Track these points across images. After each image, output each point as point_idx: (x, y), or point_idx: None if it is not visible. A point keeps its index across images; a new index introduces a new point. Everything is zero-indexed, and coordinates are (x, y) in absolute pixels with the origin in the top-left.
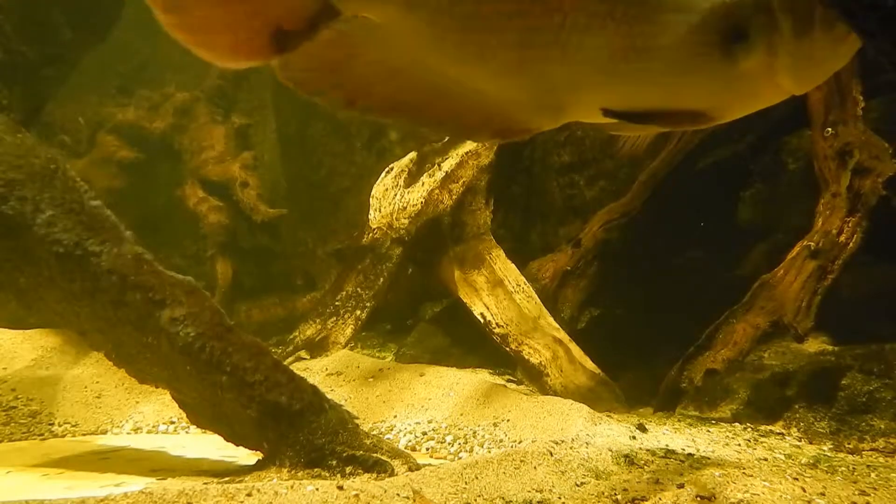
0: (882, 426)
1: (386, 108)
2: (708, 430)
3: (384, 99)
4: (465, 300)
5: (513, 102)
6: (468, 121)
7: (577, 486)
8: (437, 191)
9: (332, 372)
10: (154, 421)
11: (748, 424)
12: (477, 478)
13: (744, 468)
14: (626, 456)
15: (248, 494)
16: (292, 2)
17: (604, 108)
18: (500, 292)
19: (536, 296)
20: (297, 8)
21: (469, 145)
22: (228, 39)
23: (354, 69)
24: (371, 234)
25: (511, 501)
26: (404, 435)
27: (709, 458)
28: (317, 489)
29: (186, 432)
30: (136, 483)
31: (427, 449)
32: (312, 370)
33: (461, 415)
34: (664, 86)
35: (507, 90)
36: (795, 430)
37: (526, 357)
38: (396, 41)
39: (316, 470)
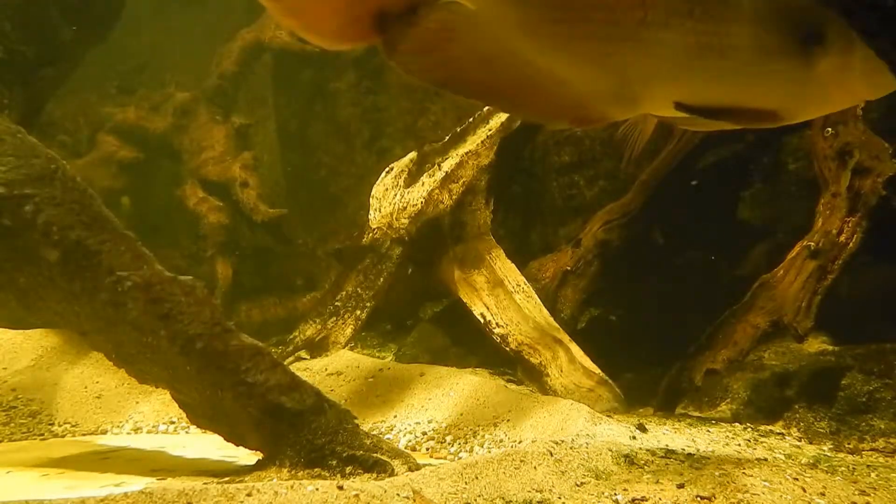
0: (882, 426)
1: (475, 90)
2: (708, 430)
3: (475, 82)
4: (465, 300)
5: (592, 92)
6: (548, 108)
7: (577, 486)
8: (437, 191)
9: (332, 372)
10: (154, 421)
11: (748, 424)
12: (477, 478)
13: (744, 468)
14: (626, 456)
15: (248, 494)
16: None
17: (677, 103)
18: (500, 292)
19: (536, 296)
20: None
21: (469, 145)
22: (333, 23)
23: (451, 52)
24: (371, 234)
25: (511, 501)
26: (404, 435)
27: (709, 458)
28: (317, 489)
29: (186, 432)
30: (136, 483)
31: (427, 449)
32: (312, 370)
33: (461, 415)
34: (738, 84)
35: (588, 80)
36: (795, 430)
37: (526, 357)
38: (490, 28)
39: (316, 470)
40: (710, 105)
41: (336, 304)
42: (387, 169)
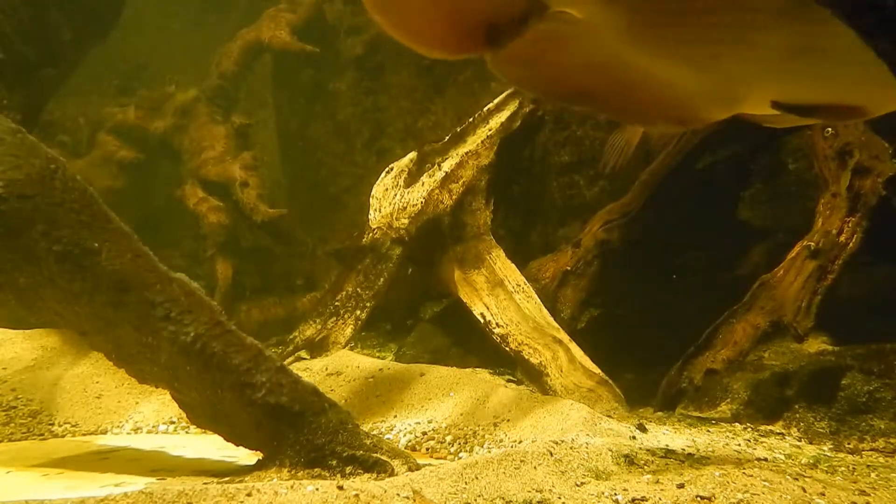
0: (882, 426)
1: (579, 97)
2: (708, 430)
3: (579, 89)
4: (465, 300)
5: (693, 93)
6: (651, 111)
7: (577, 486)
8: (437, 191)
9: (332, 372)
10: (154, 421)
11: (748, 424)
12: (477, 478)
13: (744, 468)
14: (626, 456)
15: (248, 494)
16: (499, 2)
17: (774, 102)
18: (500, 292)
19: (536, 296)
20: (508, 4)
21: (469, 145)
22: (442, 34)
23: (557, 61)
24: (371, 234)
25: (511, 501)
26: (404, 435)
27: (709, 458)
28: (317, 489)
29: (186, 432)
30: (136, 483)
31: (427, 449)
32: (312, 370)
33: (461, 415)
34: (833, 82)
35: (690, 82)
36: (795, 430)
37: (526, 357)
38: (596, 35)
39: (316, 470)
40: (804, 103)
41: (336, 304)
42: (387, 169)
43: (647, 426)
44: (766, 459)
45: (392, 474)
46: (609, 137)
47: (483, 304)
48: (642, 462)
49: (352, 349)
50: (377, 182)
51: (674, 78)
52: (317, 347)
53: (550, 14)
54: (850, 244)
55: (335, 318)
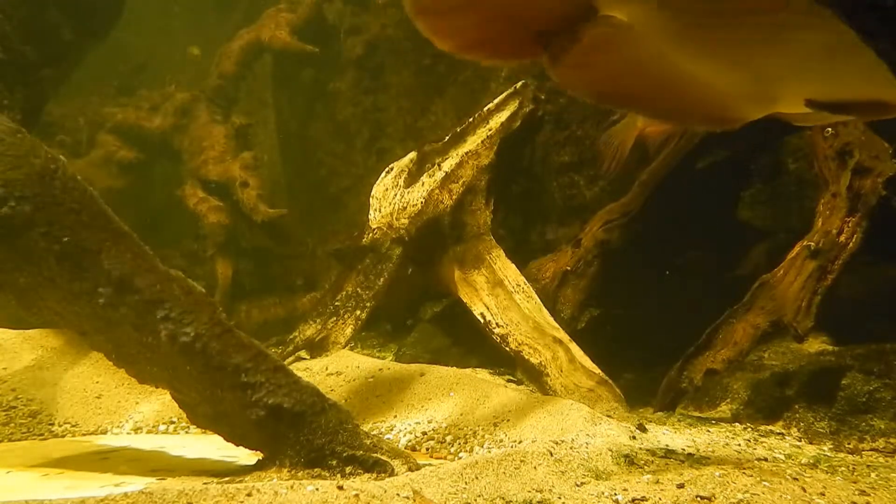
0: (882, 426)
1: (625, 99)
2: (708, 430)
3: (626, 91)
4: (465, 300)
5: (731, 94)
6: (691, 110)
7: (577, 486)
8: (437, 191)
9: (332, 372)
10: (154, 421)
11: (748, 424)
12: (477, 478)
13: (744, 468)
14: (626, 456)
15: (248, 494)
16: (554, 5)
17: (808, 100)
18: (500, 292)
19: (536, 296)
20: (558, 10)
21: (469, 145)
22: (493, 42)
23: (608, 65)
24: (371, 234)
25: (511, 501)
26: (404, 435)
27: (709, 458)
28: (317, 489)
29: (186, 432)
30: (136, 483)
31: (427, 449)
32: (312, 370)
33: (461, 415)
34: (867, 80)
35: (729, 82)
36: (795, 430)
37: (526, 357)
38: (642, 39)
39: (316, 470)
40: (839, 100)
41: (336, 304)
42: (387, 169)
43: (647, 426)
44: (766, 459)
45: (392, 474)
46: (601, 137)
47: (483, 304)
48: (642, 462)
49: (352, 349)
50: (377, 182)
51: (713, 79)
52: (317, 347)
53: (599, 19)
54: (850, 244)
55: (335, 318)
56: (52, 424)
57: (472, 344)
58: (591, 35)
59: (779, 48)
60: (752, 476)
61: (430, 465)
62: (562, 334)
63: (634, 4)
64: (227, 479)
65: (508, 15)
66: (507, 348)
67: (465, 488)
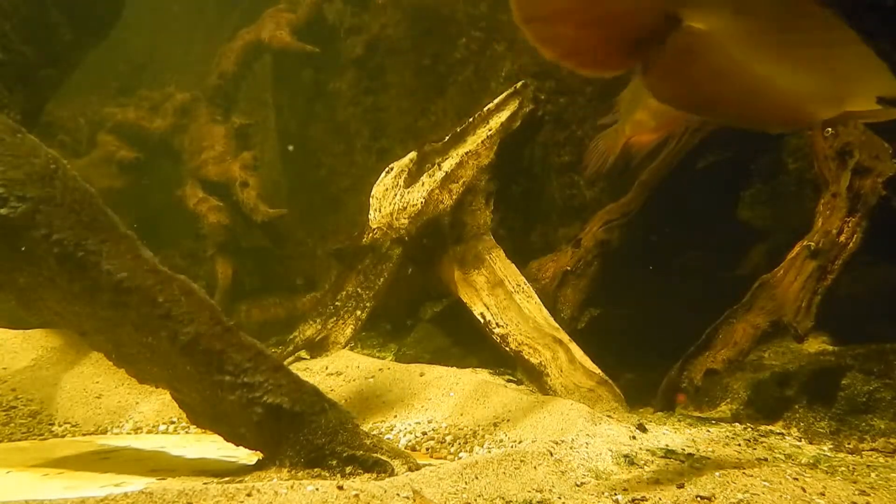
0: (882, 426)
1: (706, 105)
2: (708, 430)
3: (707, 98)
4: (465, 300)
5: (805, 96)
6: (768, 114)
7: (577, 486)
8: (437, 191)
9: (332, 372)
10: (154, 421)
11: (748, 424)
12: (477, 478)
13: (744, 468)
14: (626, 456)
15: (248, 494)
16: (643, 17)
17: (879, 97)
18: (500, 292)
19: (536, 296)
20: (647, 22)
21: (469, 145)
22: (593, 53)
23: (691, 73)
24: (371, 234)
25: (511, 501)
26: (404, 435)
27: (709, 458)
28: (317, 489)
29: (186, 432)
30: (136, 483)
31: (427, 449)
32: (312, 370)
33: (461, 415)
34: None
35: (803, 84)
36: (795, 430)
37: (526, 357)
38: (722, 46)
39: (316, 470)
40: None
41: (336, 304)
42: (387, 169)
43: (647, 426)
44: (766, 459)
45: (392, 474)
46: (591, 142)
47: (483, 304)
48: (642, 462)
49: (352, 349)
50: (377, 182)
51: (788, 82)
52: (317, 347)
53: (684, 28)
54: (850, 244)
55: (335, 318)
56: (52, 424)
57: (472, 344)
58: (676, 44)
59: (848, 49)
60: (752, 476)
61: (430, 465)
62: (562, 334)
63: (713, 13)
64: (227, 479)
65: (603, 25)
66: (507, 348)
67: (465, 488)
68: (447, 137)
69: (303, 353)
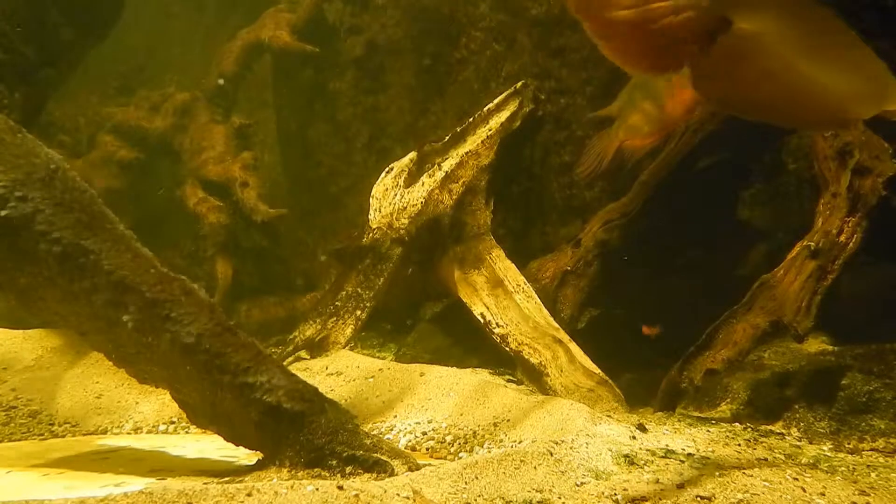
0: (882, 426)
1: (753, 105)
2: (708, 430)
3: (754, 98)
4: (465, 300)
5: (847, 95)
6: (810, 114)
7: (577, 486)
8: (437, 191)
9: (332, 372)
10: (154, 421)
11: (748, 424)
12: (477, 478)
13: (744, 468)
14: (626, 456)
15: (248, 494)
16: (695, 22)
17: None
18: (500, 292)
19: (536, 296)
20: (699, 25)
21: (469, 145)
22: (651, 57)
23: (740, 74)
24: (371, 234)
25: (511, 501)
26: (404, 435)
27: (709, 458)
28: (317, 489)
29: (186, 432)
30: (136, 483)
31: (427, 449)
32: (312, 370)
33: (461, 415)
34: None
35: (845, 84)
36: (795, 430)
37: (526, 357)
38: (770, 47)
39: (316, 470)
40: None
41: (336, 304)
42: (387, 169)
43: (647, 426)
44: (766, 459)
45: (392, 474)
46: (587, 144)
47: (483, 304)
48: (642, 462)
49: (352, 349)
50: (377, 182)
51: (831, 81)
52: (317, 347)
53: (734, 29)
54: (850, 244)
55: (335, 318)
56: (52, 424)
57: (472, 344)
58: (726, 45)
59: (884, 47)
60: (752, 476)
61: (430, 465)
62: (562, 334)
63: (760, 15)
64: (227, 479)
65: (659, 34)
66: (507, 348)
67: (465, 488)
68: (447, 137)
69: (303, 353)
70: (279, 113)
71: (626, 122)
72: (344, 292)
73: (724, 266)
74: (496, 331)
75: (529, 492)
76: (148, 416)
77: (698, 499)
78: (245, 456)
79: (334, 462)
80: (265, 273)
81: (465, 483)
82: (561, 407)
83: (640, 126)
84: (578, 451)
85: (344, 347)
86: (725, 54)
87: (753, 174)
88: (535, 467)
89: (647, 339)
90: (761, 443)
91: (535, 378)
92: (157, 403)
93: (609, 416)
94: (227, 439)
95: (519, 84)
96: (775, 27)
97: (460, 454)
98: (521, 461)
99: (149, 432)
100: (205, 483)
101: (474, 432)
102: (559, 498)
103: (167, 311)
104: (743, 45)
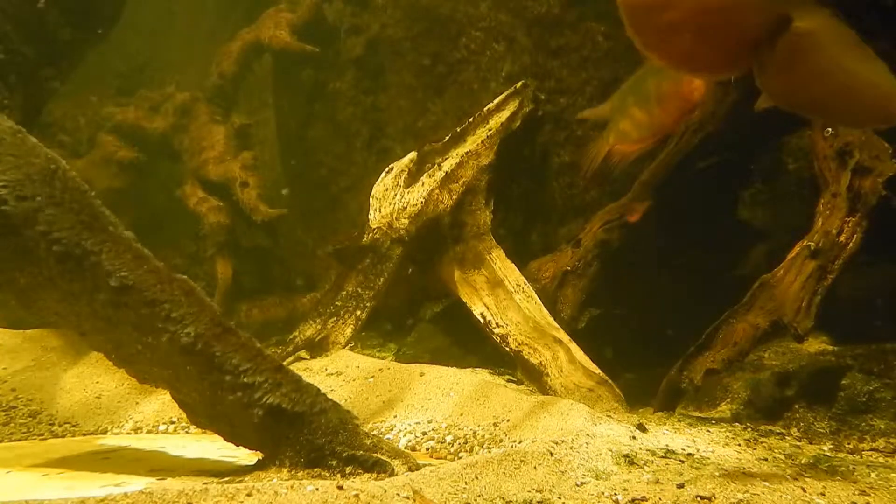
0: (882, 426)
1: (812, 102)
2: (708, 430)
3: (812, 95)
4: (465, 300)
5: (891, 91)
6: (863, 110)
7: (577, 486)
8: (437, 191)
9: (332, 372)
10: (154, 421)
11: (748, 424)
12: (477, 478)
13: (744, 468)
14: (626, 456)
15: (248, 494)
16: (757, 22)
17: None
18: (500, 292)
19: (536, 296)
20: (761, 26)
21: (469, 145)
22: (708, 58)
23: (799, 71)
24: (371, 234)
25: (511, 501)
26: (404, 435)
27: (709, 458)
28: (317, 489)
29: (186, 432)
30: (136, 483)
31: (427, 449)
32: (312, 370)
33: (461, 415)
34: None
35: (889, 80)
36: (795, 430)
37: (526, 357)
38: (826, 45)
39: (316, 470)
40: None
41: (336, 304)
42: (387, 169)
43: (647, 426)
44: (766, 459)
45: (392, 474)
46: (588, 147)
47: (483, 304)
48: (642, 462)
49: (352, 349)
50: (377, 182)
51: (876, 77)
52: (317, 347)
53: (794, 28)
54: (850, 244)
55: (335, 318)
56: (52, 424)
57: (472, 344)
58: (786, 44)
59: None
60: (752, 476)
61: (430, 465)
62: (562, 334)
63: (816, 14)
64: (227, 479)
65: (719, 31)
66: (507, 348)
67: (465, 488)
68: (447, 137)
69: (303, 353)
70: (279, 113)
71: (617, 127)
72: (344, 292)
73: (724, 266)
74: (496, 331)
75: (529, 492)
76: (148, 416)
77: (698, 499)
78: (245, 456)
79: (334, 462)
80: (265, 273)
81: (465, 483)
82: (561, 407)
83: (630, 132)
84: (578, 451)
85: (344, 347)
86: (786, 53)
87: (753, 174)
88: (535, 467)
89: (647, 339)
90: (761, 443)
91: (535, 378)
92: (157, 403)
93: (609, 416)
94: (227, 439)
95: (519, 84)
96: (836, 25)
97: (460, 454)
98: (521, 461)
99: (149, 432)
100: (205, 483)
101: (474, 432)
102: (559, 498)
103: (167, 311)
104: (803, 43)
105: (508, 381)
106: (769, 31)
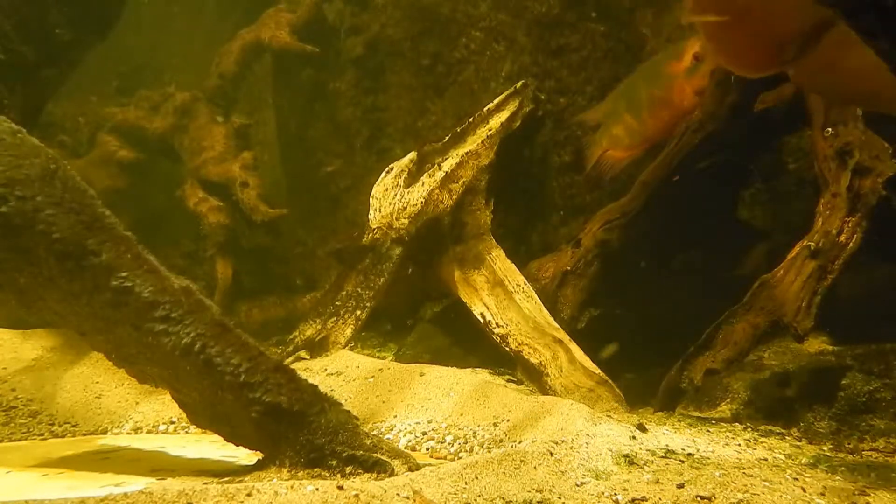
0: (882, 426)
1: (854, 98)
2: (708, 430)
3: (854, 88)
4: (465, 300)
5: None
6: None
7: (577, 486)
8: (437, 191)
9: (332, 372)
10: (154, 421)
11: (748, 424)
12: (477, 478)
13: (744, 468)
14: (626, 456)
15: (248, 494)
16: (802, 21)
17: None
18: (500, 292)
19: (536, 296)
20: (805, 24)
21: (469, 145)
22: (757, 57)
23: (842, 66)
24: (371, 234)
25: (511, 501)
26: (404, 435)
27: (709, 458)
28: (317, 489)
29: (186, 432)
30: (136, 483)
31: (427, 449)
32: (312, 370)
33: (461, 415)
34: None
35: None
36: (795, 430)
37: (526, 357)
38: (860, 42)
39: (316, 470)
40: None
41: (336, 304)
42: (387, 169)
43: (647, 426)
44: (766, 459)
45: (392, 474)
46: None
47: (483, 304)
48: (642, 462)
49: (352, 349)
50: (377, 182)
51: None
52: (317, 347)
53: (837, 26)
54: (850, 244)
55: (335, 318)
56: (52, 424)
57: (472, 344)
58: (831, 41)
59: None
60: (752, 476)
61: (430, 465)
62: (562, 334)
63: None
64: (227, 479)
65: (766, 35)
66: (507, 348)
67: (465, 488)
68: (447, 137)
69: (303, 353)
70: (279, 113)
71: (609, 132)
72: (344, 292)
73: (724, 266)
74: (496, 331)
75: (529, 492)
76: (148, 416)
77: (698, 499)
78: (245, 456)
79: (334, 462)
80: (265, 273)
81: (465, 483)
82: (561, 407)
83: (622, 137)
84: (578, 451)
85: (344, 347)
86: (830, 50)
87: (753, 174)
88: (535, 467)
89: (646, 339)
90: (761, 443)
91: (535, 378)
92: (157, 403)
93: (609, 416)
94: (227, 439)
95: (519, 84)
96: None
97: (460, 454)
98: (521, 461)
99: (149, 432)
100: (205, 483)
101: (474, 432)
102: (559, 498)
103: (167, 311)
104: (846, 40)
105: (508, 381)
106: (813, 31)
